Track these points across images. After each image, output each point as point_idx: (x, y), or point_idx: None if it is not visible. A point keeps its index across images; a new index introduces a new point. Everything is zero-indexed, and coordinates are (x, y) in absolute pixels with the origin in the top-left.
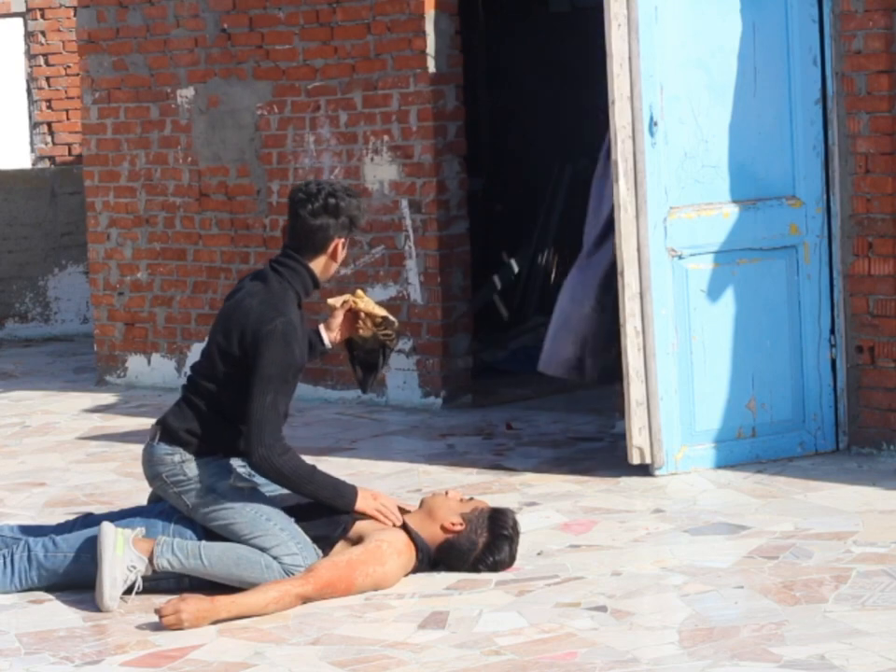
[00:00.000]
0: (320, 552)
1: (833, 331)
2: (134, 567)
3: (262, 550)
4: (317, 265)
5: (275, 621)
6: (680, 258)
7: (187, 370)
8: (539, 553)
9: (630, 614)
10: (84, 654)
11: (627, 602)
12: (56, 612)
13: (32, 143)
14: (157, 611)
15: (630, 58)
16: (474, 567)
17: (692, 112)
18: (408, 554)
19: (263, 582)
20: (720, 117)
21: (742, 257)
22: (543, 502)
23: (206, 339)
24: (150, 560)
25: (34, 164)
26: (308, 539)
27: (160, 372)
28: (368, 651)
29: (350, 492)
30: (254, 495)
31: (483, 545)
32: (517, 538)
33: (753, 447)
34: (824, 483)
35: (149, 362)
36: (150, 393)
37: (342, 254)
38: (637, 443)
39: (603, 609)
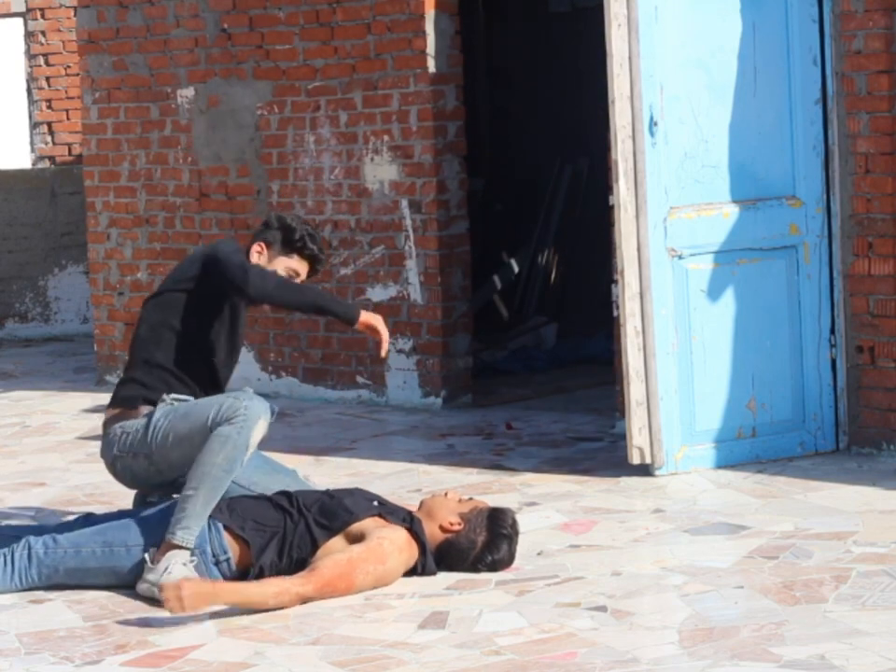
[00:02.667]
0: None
1: (833, 331)
2: (185, 563)
3: (205, 429)
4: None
5: (275, 621)
6: (680, 258)
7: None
8: (539, 553)
9: (630, 614)
10: (84, 654)
11: (627, 602)
12: (56, 612)
13: (32, 143)
14: (159, 587)
15: (630, 58)
16: (474, 567)
17: (692, 112)
18: (409, 552)
19: (241, 451)
20: (720, 117)
21: (742, 257)
22: (543, 502)
23: (142, 315)
24: (179, 548)
25: (34, 164)
26: (245, 390)
27: None
28: (368, 651)
29: (352, 305)
30: (178, 400)
31: (483, 544)
32: (516, 537)
33: (753, 447)
34: (824, 483)
35: None
36: None
37: (257, 260)
38: (637, 443)
39: (603, 609)
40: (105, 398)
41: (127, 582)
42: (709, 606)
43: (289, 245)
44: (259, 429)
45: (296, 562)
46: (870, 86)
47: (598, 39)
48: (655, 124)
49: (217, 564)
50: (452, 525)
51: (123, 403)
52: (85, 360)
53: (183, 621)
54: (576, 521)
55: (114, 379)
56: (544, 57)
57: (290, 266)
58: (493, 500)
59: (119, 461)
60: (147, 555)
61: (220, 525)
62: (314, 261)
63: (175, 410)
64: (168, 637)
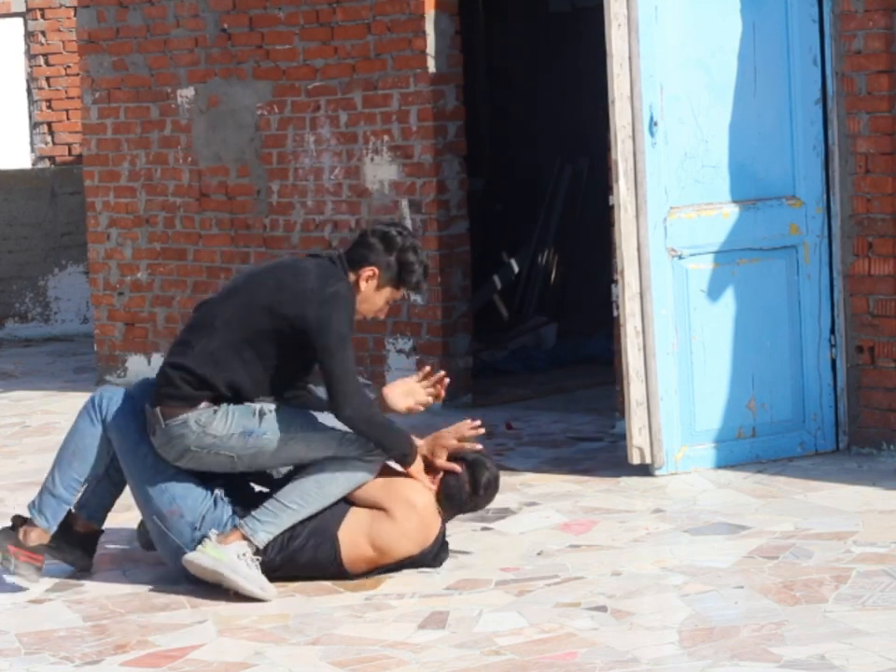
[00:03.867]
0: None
1: (833, 331)
2: (244, 554)
3: (328, 458)
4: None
5: (275, 621)
6: (680, 258)
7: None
8: (539, 553)
9: (630, 614)
10: (84, 654)
11: (627, 602)
12: (56, 612)
13: (32, 143)
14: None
15: (630, 58)
16: (474, 502)
17: (692, 112)
18: (430, 496)
19: (357, 486)
20: (720, 117)
21: (742, 257)
22: (543, 502)
23: (227, 291)
24: (249, 544)
25: (34, 164)
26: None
27: None
28: (368, 651)
29: (412, 451)
30: (282, 411)
31: (469, 480)
32: (485, 461)
33: (753, 447)
34: (824, 483)
35: (149, 362)
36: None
37: (367, 288)
38: (637, 443)
39: (603, 609)
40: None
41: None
42: (709, 606)
43: (403, 283)
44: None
45: (308, 543)
46: (870, 86)
47: (598, 39)
48: (655, 124)
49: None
50: (433, 479)
51: (186, 402)
52: (85, 360)
53: (183, 621)
54: (576, 521)
55: (114, 379)
56: (544, 57)
57: (392, 297)
58: (493, 500)
59: (191, 454)
60: (212, 532)
61: (235, 520)
62: (418, 293)
63: (285, 429)
64: (168, 636)
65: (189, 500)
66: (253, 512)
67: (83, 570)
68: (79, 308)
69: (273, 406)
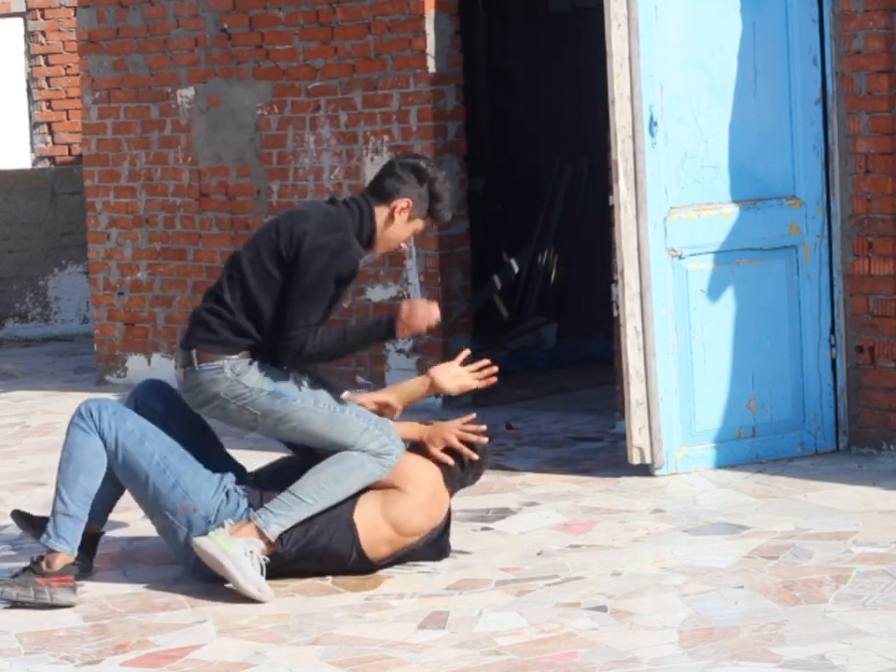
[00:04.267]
0: (398, 432)
1: (833, 331)
2: (252, 552)
3: (346, 445)
4: (379, 216)
5: (275, 621)
6: (680, 258)
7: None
8: (539, 553)
9: (630, 614)
10: (84, 654)
11: (627, 602)
12: (56, 612)
13: (32, 143)
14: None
15: (630, 58)
16: (475, 470)
17: (692, 112)
18: (435, 469)
19: (371, 481)
20: (720, 117)
21: (742, 257)
22: (543, 502)
23: (250, 242)
24: (261, 536)
25: (34, 164)
26: (385, 420)
27: (160, 372)
28: (368, 651)
29: (385, 323)
30: (317, 385)
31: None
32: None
33: (753, 447)
34: (824, 483)
35: (149, 362)
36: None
37: (399, 219)
38: (637, 443)
39: (603, 609)
40: (105, 398)
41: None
42: (709, 606)
43: (433, 213)
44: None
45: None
46: (870, 86)
47: (598, 39)
48: (655, 124)
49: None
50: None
51: (224, 347)
52: (85, 360)
53: (183, 621)
54: (576, 521)
55: (114, 379)
56: (544, 57)
57: (419, 229)
58: (493, 500)
59: (217, 402)
60: (227, 522)
61: (249, 509)
62: (440, 223)
63: (315, 401)
64: (168, 636)
65: (202, 494)
66: (266, 504)
67: (84, 571)
68: (79, 308)
69: (309, 378)
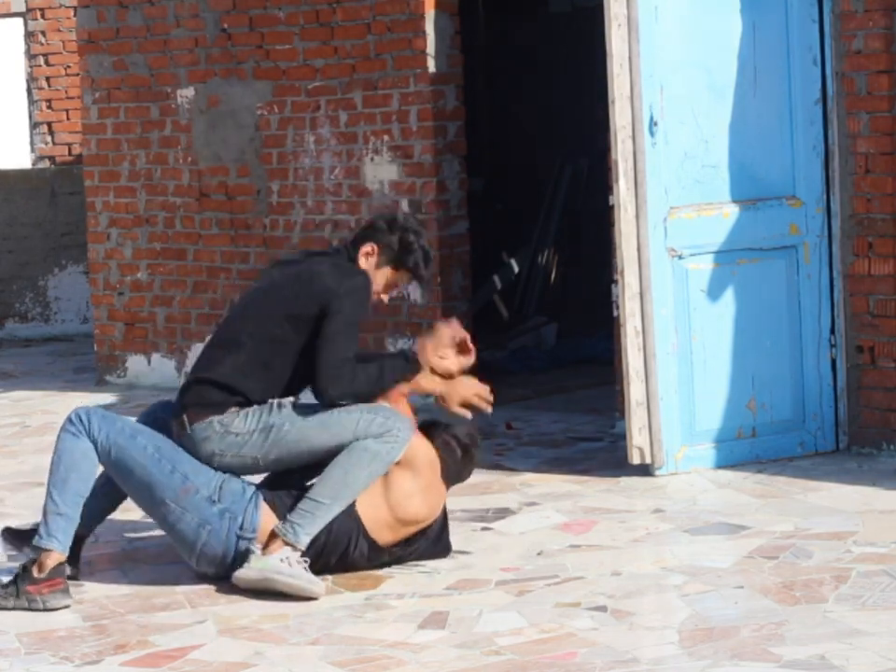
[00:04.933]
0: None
1: (833, 331)
2: (287, 558)
3: (348, 442)
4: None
5: (275, 621)
6: (680, 258)
7: (187, 367)
8: (539, 553)
9: (630, 614)
10: (84, 654)
11: (627, 602)
12: (56, 612)
13: (32, 143)
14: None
15: (630, 58)
16: (469, 461)
17: (692, 112)
18: (439, 482)
19: (384, 468)
20: (720, 117)
21: (742, 257)
22: (543, 502)
23: (246, 301)
24: (293, 549)
25: (34, 164)
26: (377, 405)
27: (160, 372)
28: (368, 651)
29: (412, 364)
30: (299, 404)
31: (458, 445)
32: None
33: (753, 447)
34: (824, 483)
35: (149, 362)
36: (150, 393)
37: (365, 265)
38: (637, 443)
39: (603, 608)
40: (105, 398)
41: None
42: (709, 606)
43: (402, 264)
44: (404, 451)
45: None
46: (870, 86)
47: (598, 39)
48: (655, 124)
49: (238, 539)
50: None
51: (214, 408)
52: (85, 360)
53: (183, 621)
54: (576, 521)
55: (114, 379)
56: (544, 57)
57: (393, 280)
58: (493, 500)
59: (217, 458)
60: (256, 547)
61: (260, 501)
62: (420, 281)
63: (303, 417)
64: (168, 636)
65: (202, 476)
66: (289, 516)
67: (70, 578)
68: (79, 308)
69: (290, 399)
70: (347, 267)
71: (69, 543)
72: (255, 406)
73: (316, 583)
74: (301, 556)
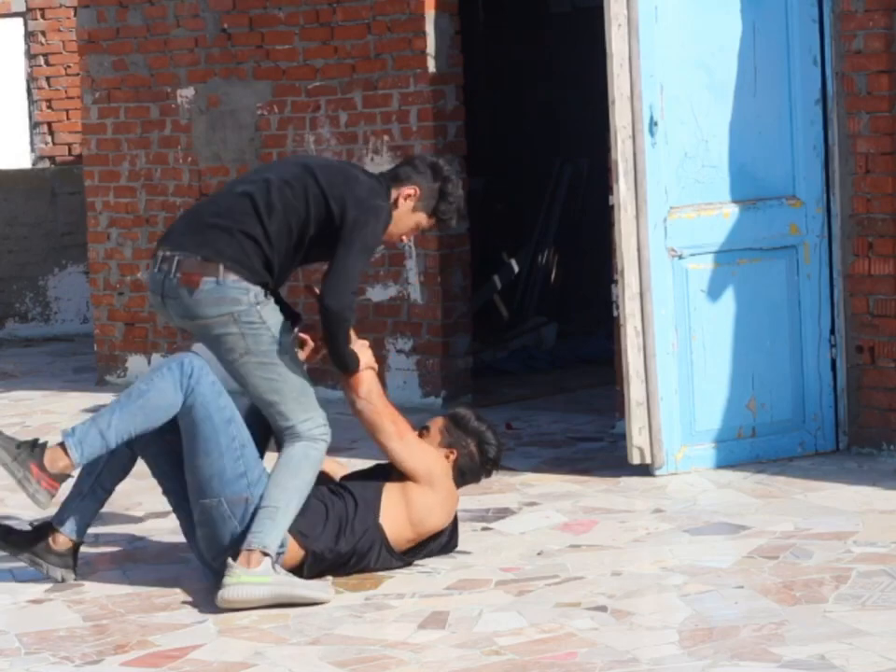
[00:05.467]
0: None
1: (833, 331)
2: (276, 567)
3: (293, 417)
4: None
5: (275, 621)
6: (680, 258)
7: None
8: (539, 553)
9: (630, 614)
10: (84, 654)
11: (627, 602)
12: (56, 612)
13: (32, 143)
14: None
15: (630, 58)
16: (486, 471)
17: (692, 112)
18: (453, 487)
19: (318, 466)
20: (720, 117)
21: (742, 257)
22: (543, 502)
23: (282, 176)
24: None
25: (34, 164)
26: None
27: None
28: (368, 651)
29: (354, 365)
30: (298, 356)
31: (478, 450)
32: (484, 419)
33: (753, 447)
34: (824, 483)
35: (149, 362)
36: None
37: (403, 207)
38: (637, 443)
39: (603, 608)
40: (105, 398)
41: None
42: (709, 606)
43: (437, 213)
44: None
45: (359, 538)
46: (870, 86)
47: (598, 39)
48: (655, 124)
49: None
50: (448, 457)
51: (253, 274)
52: (85, 360)
53: (183, 621)
54: (576, 521)
55: (114, 379)
56: (544, 57)
57: (422, 224)
58: (493, 500)
59: (220, 321)
60: (230, 561)
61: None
62: (442, 228)
63: (298, 369)
64: (168, 637)
65: (259, 488)
66: (251, 529)
67: (65, 581)
68: (79, 308)
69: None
70: (379, 189)
71: (84, 459)
72: (277, 304)
73: (326, 589)
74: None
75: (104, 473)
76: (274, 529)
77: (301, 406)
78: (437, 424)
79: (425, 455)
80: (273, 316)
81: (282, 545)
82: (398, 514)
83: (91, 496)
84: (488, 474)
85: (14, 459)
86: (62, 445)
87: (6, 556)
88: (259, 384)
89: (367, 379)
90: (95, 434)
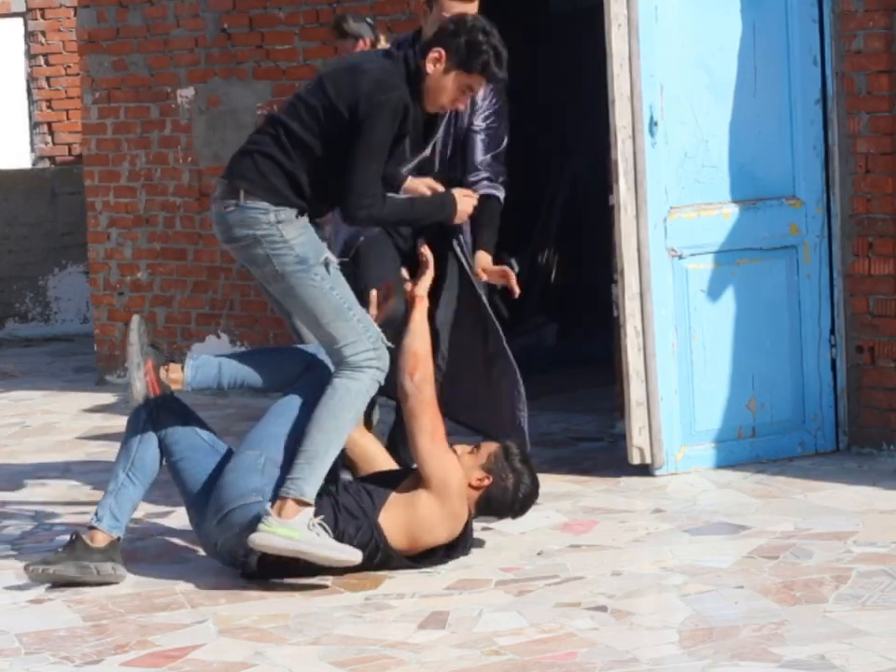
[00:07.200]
0: (388, 347)
1: (833, 331)
2: (312, 524)
3: (333, 342)
4: (429, 65)
5: (275, 621)
6: (680, 258)
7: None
8: (539, 553)
9: (630, 614)
10: (84, 654)
11: (627, 602)
12: (56, 612)
13: (32, 143)
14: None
15: (630, 58)
16: (513, 512)
17: (692, 112)
18: (465, 502)
19: (365, 398)
20: (720, 117)
21: (742, 257)
22: (543, 502)
23: (300, 93)
24: (303, 505)
25: (34, 164)
26: (380, 333)
27: None
28: (368, 651)
29: (450, 202)
30: (338, 276)
31: (513, 486)
32: (533, 469)
33: (753, 447)
34: (824, 483)
35: None
36: None
37: (435, 72)
38: (637, 443)
39: (603, 608)
40: (105, 398)
41: None
42: (709, 606)
43: (471, 66)
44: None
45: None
46: (870, 86)
47: (599, 39)
48: (655, 124)
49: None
50: (482, 481)
51: (274, 195)
52: (85, 360)
53: (183, 621)
54: (576, 521)
55: (114, 379)
56: (544, 57)
57: (466, 84)
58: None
59: (252, 242)
60: (267, 507)
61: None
62: (493, 81)
63: (331, 291)
64: (168, 637)
65: (269, 488)
66: (288, 475)
67: (117, 573)
68: (79, 308)
69: (337, 264)
70: (391, 78)
71: (195, 386)
72: (305, 221)
73: (348, 551)
74: (315, 515)
75: (135, 466)
76: (313, 475)
77: (341, 329)
78: (489, 447)
79: (446, 466)
80: (297, 235)
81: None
82: (398, 517)
83: (128, 483)
84: (513, 515)
85: (141, 346)
86: (182, 364)
87: (5, 556)
88: (295, 308)
89: (425, 365)
90: (214, 367)
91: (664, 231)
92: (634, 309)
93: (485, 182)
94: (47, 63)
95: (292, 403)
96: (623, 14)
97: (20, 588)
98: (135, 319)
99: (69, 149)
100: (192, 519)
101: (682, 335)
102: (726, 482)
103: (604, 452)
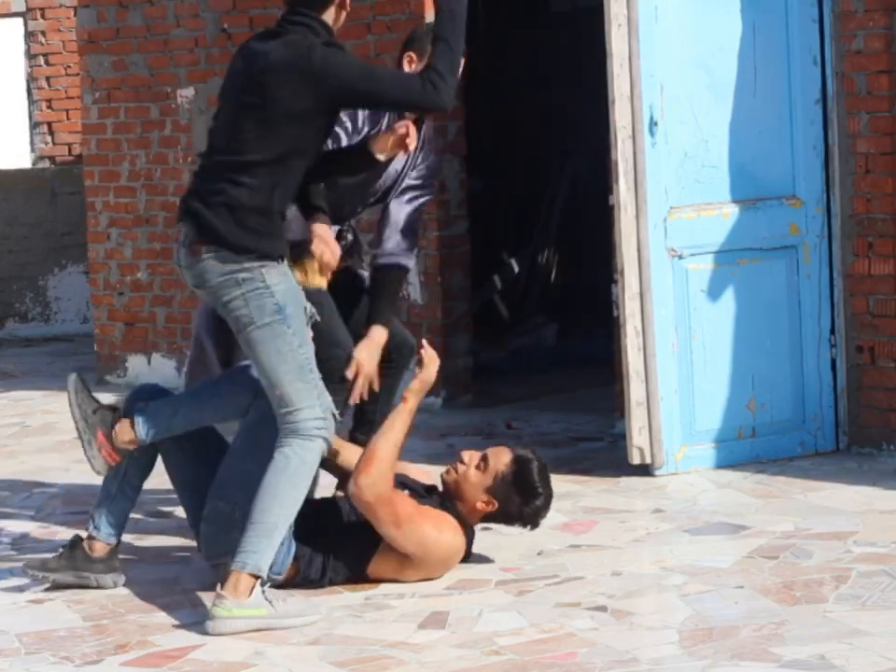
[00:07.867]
0: (336, 416)
1: (833, 331)
2: (268, 600)
3: (287, 403)
4: (328, 17)
5: None
6: (680, 258)
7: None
8: (539, 553)
9: (630, 614)
10: (84, 654)
11: (627, 602)
12: (56, 612)
13: (32, 143)
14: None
15: (630, 58)
16: (523, 525)
17: (692, 112)
18: (461, 538)
19: (314, 466)
20: (720, 117)
21: (742, 257)
22: None
23: (214, 120)
24: (256, 579)
25: (34, 164)
26: (331, 402)
27: (160, 372)
28: (368, 651)
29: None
30: (308, 332)
31: (520, 505)
32: (546, 483)
33: (753, 447)
34: (824, 483)
35: (149, 362)
36: None
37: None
38: (637, 443)
39: (603, 608)
40: (104, 398)
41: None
42: (709, 606)
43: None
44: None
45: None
46: (870, 86)
47: (599, 39)
48: (655, 124)
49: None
50: (486, 505)
51: (257, 252)
52: (85, 360)
53: (183, 621)
54: (576, 521)
55: (114, 379)
56: (544, 57)
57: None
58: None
59: (224, 284)
60: (218, 592)
61: (293, 548)
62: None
63: (299, 348)
64: (168, 637)
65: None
66: (239, 548)
67: (117, 585)
68: (79, 308)
69: (317, 317)
70: (297, 39)
71: (150, 441)
72: (295, 284)
73: (309, 611)
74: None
75: (130, 471)
76: (269, 548)
77: (300, 392)
78: (498, 466)
79: (422, 542)
80: (279, 281)
81: (275, 568)
82: (387, 572)
83: (120, 496)
84: (522, 526)
85: (85, 420)
86: (131, 421)
87: (5, 556)
88: (258, 360)
89: (376, 468)
90: (164, 416)
91: (664, 230)
92: (634, 309)
93: (402, 247)
94: (47, 63)
95: (257, 441)
96: (622, 14)
97: (20, 588)
98: (70, 383)
99: (69, 149)
100: (189, 520)
101: (682, 335)
102: (726, 482)
103: (604, 452)
